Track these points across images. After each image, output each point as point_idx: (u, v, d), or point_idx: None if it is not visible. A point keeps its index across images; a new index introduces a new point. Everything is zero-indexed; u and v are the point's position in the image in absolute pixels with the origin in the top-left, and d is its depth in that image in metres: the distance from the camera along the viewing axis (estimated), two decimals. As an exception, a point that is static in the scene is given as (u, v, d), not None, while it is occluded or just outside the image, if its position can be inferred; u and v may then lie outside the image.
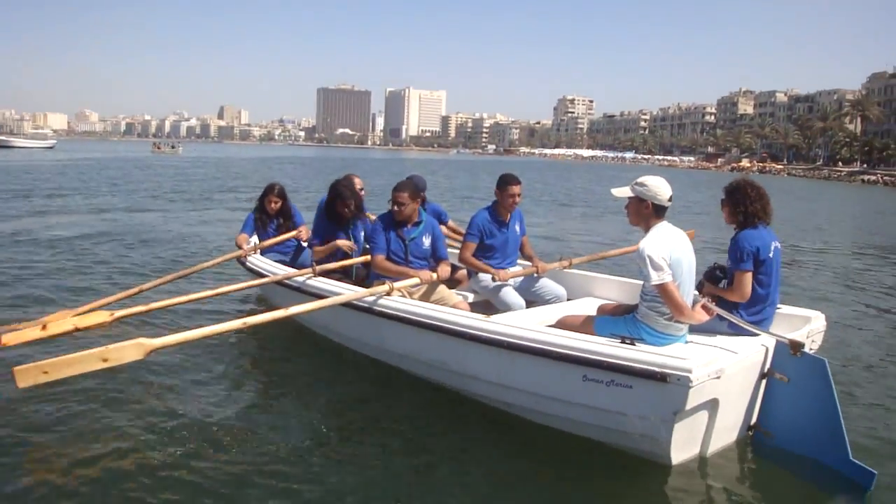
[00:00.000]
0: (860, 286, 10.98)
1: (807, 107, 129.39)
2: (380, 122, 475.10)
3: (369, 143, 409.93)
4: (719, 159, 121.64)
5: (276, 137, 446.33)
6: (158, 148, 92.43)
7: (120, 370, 5.19)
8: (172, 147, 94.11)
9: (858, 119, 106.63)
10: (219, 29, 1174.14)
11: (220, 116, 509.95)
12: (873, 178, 74.65)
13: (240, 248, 7.28)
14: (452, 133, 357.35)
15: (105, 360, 4.58)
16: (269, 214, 7.50)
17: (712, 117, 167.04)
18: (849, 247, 16.72)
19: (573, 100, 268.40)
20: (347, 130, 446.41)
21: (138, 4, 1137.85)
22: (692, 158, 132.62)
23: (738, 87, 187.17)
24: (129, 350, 4.62)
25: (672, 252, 4.31)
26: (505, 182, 6.04)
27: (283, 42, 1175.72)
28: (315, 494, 3.83)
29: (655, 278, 4.23)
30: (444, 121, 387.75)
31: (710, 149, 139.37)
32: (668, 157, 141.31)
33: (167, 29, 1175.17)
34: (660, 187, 4.42)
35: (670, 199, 4.44)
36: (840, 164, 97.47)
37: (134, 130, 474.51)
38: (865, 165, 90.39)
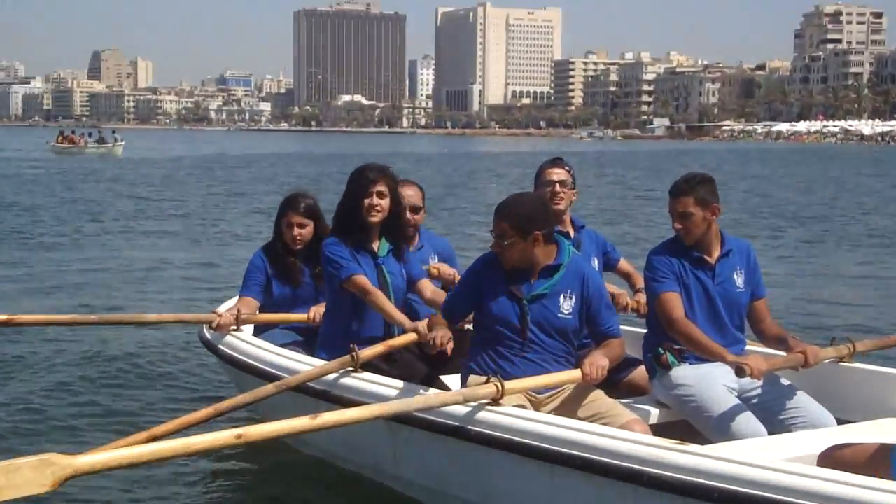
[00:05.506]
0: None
1: None
2: (425, 79, 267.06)
3: (405, 122, 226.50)
4: None
5: (213, 116, 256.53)
6: (71, 142, 47.96)
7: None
8: (110, 142, 48.25)
9: None
10: None
11: (95, 73, 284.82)
12: None
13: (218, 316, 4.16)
14: (577, 95, 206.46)
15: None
16: (295, 251, 4.19)
17: None
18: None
19: (838, 13, 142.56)
20: (359, 98, 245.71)
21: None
22: None
23: None
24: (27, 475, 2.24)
25: None
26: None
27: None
28: None
29: None
30: (559, 70, 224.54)
31: None
32: None
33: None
34: None
35: None
36: None
37: None
38: None
